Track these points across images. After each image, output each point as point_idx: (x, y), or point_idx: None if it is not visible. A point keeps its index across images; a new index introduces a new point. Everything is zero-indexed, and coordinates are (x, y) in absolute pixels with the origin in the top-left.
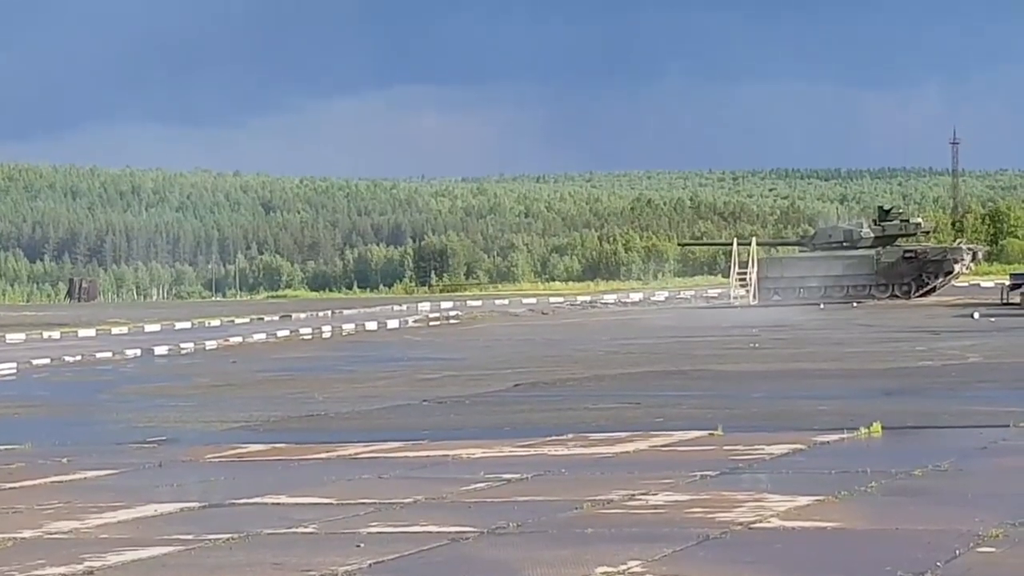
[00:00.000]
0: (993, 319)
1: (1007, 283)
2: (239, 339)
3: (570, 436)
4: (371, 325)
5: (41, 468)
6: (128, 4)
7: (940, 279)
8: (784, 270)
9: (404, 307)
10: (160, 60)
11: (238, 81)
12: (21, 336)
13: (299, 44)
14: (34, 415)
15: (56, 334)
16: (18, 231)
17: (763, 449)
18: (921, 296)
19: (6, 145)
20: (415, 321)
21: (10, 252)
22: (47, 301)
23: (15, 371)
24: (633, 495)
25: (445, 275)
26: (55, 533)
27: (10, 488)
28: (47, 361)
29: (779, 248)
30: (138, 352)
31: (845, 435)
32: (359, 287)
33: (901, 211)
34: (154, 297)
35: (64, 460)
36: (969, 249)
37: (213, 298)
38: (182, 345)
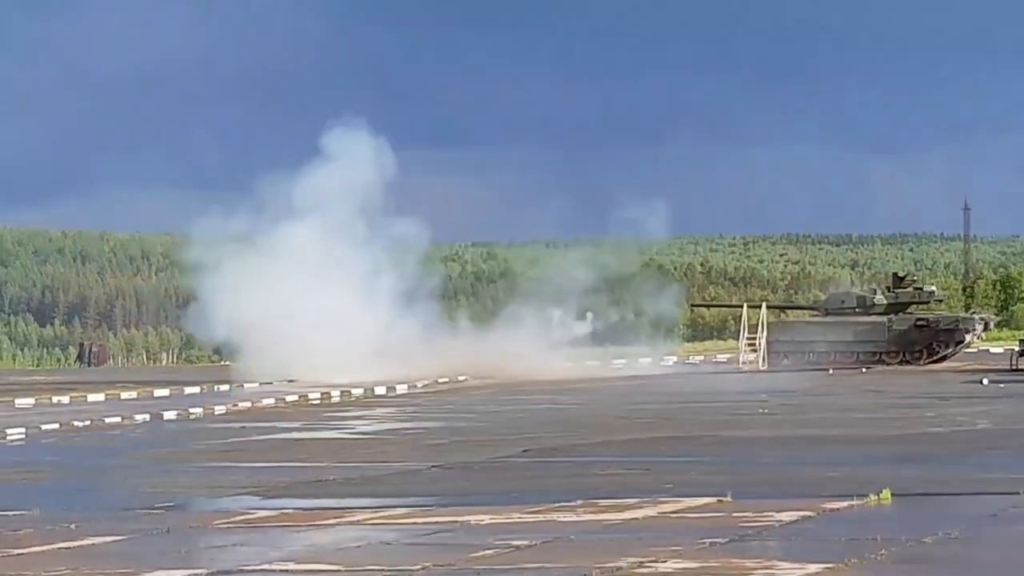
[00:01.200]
0: (1003, 385)
1: (1016, 349)
2: (248, 404)
3: (579, 502)
4: (380, 390)
5: (49, 534)
6: (135, 69)
7: (951, 348)
8: (795, 335)
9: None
10: (167, 125)
11: (244, 146)
12: (30, 401)
13: (303, 108)
14: (42, 480)
15: (65, 399)
16: (28, 295)
17: (772, 516)
18: (931, 363)
19: (16, 210)
20: (424, 385)
21: (20, 316)
22: (57, 365)
23: (24, 436)
24: (642, 562)
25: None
26: None
27: (18, 554)
28: (56, 426)
29: (789, 312)
30: (147, 417)
31: (855, 502)
32: None
33: (915, 279)
34: (164, 361)
35: (72, 526)
36: (981, 319)
37: (223, 363)
38: (191, 410)
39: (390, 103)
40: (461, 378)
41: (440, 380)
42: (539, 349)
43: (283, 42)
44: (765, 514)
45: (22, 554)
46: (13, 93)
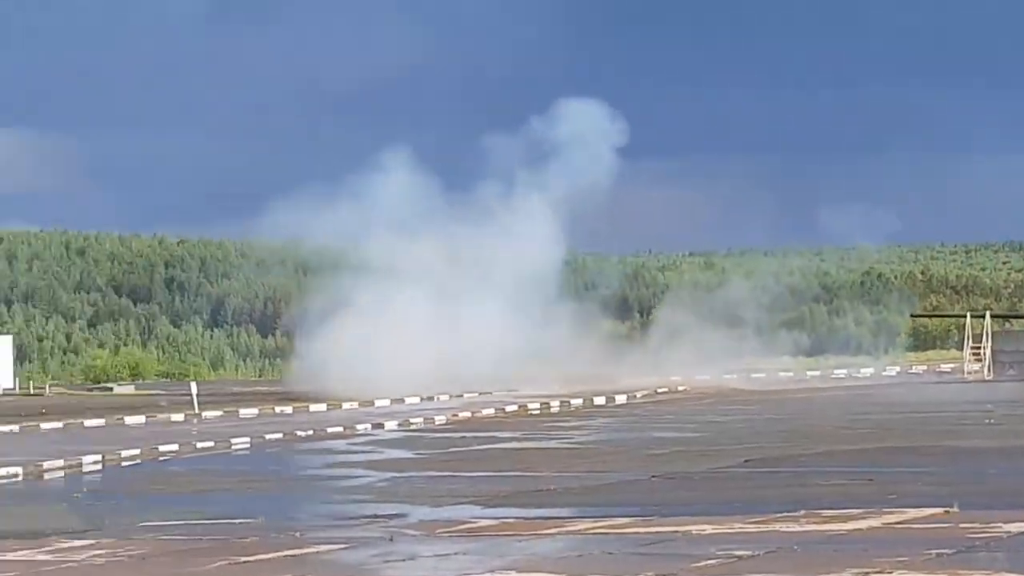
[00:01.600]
0: None
1: None
2: (468, 414)
3: (802, 512)
4: (599, 400)
5: (274, 542)
6: (358, 79)
7: None
8: (1020, 344)
9: (633, 381)
10: (391, 135)
11: (465, 149)
12: (254, 411)
13: (515, 114)
14: (267, 489)
15: (288, 409)
16: (250, 307)
17: (1000, 527)
18: None
19: (239, 222)
20: (643, 395)
21: (243, 327)
22: (278, 376)
23: (249, 445)
24: (867, 573)
25: None
26: None
27: (244, 561)
28: (279, 436)
29: (1013, 321)
30: (368, 427)
31: None
32: None
33: None
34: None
35: (296, 534)
36: None
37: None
38: (411, 420)
39: (605, 110)
40: (680, 388)
41: (659, 390)
42: (758, 358)
43: (498, 48)
44: (992, 525)
45: (248, 562)
46: (237, 104)
